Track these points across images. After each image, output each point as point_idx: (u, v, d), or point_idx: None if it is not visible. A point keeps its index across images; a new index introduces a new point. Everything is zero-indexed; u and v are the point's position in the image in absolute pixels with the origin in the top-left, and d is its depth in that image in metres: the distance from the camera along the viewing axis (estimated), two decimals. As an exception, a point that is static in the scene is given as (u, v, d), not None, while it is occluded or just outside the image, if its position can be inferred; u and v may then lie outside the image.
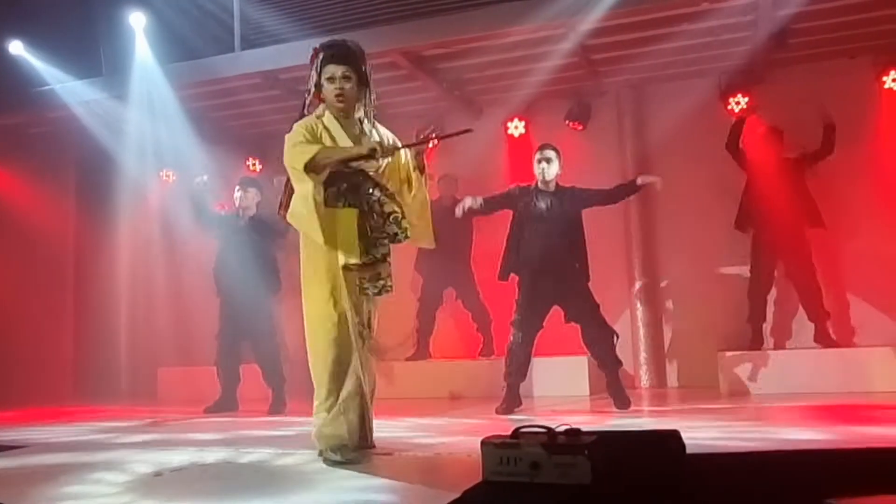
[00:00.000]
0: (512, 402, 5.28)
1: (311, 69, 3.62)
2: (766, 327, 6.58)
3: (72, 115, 7.30)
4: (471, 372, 6.77)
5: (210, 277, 6.28)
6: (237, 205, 6.22)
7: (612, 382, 5.22)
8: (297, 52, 6.06)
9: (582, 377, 6.42)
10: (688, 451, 2.74)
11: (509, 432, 2.70)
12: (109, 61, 7.34)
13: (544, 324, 5.34)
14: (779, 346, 6.66)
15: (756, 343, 6.37)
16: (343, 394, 3.42)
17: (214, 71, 6.96)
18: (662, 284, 7.26)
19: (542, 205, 5.31)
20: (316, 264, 3.49)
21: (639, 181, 5.46)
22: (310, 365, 3.50)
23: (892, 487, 2.50)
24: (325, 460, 3.36)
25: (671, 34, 6.12)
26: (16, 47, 7.13)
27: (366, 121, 3.68)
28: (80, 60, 7.25)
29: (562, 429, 2.64)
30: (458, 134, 3.70)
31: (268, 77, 6.89)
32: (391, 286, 3.58)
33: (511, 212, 5.48)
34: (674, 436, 2.76)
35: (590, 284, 5.31)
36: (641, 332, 7.15)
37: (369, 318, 3.59)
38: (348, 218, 3.49)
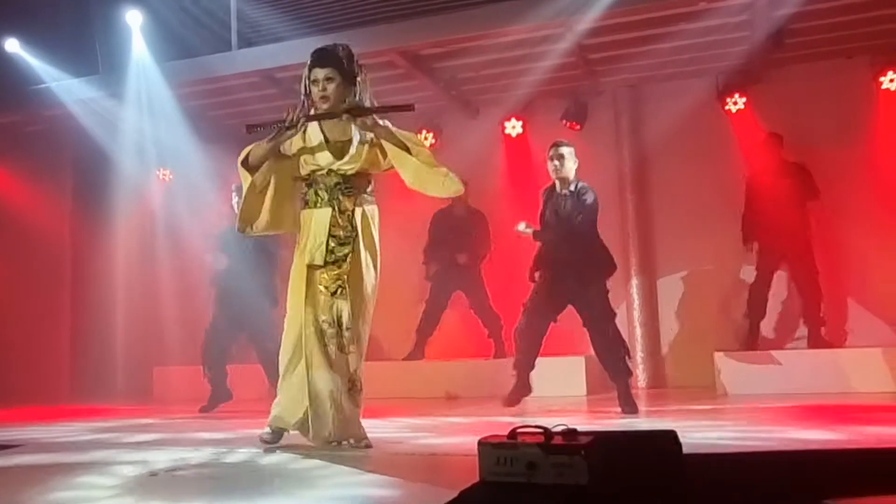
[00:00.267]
0: (518, 391, 5.19)
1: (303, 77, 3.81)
2: (765, 326, 6.57)
3: (68, 113, 7.28)
4: (467, 372, 6.76)
5: (208, 275, 6.24)
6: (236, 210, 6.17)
7: (621, 391, 5.05)
8: (294, 50, 6.05)
9: (579, 377, 6.42)
10: (685, 451, 2.73)
11: (506, 432, 2.68)
12: (106, 59, 7.32)
13: (558, 318, 5.20)
14: (776, 346, 6.65)
15: (752, 340, 6.35)
16: (285, 384, 3.75)
17: (211, 69, 6.95)
18: (659, 284, 7.25)
19: (560, 204, 5.10)
20: (295, 264, 3.75)
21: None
22: None
23: (891, 488, 2.49)
24: None
25: (668, 34, 6.12)
26: (11, 45, 7.12)
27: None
28: (77, 58, 7.24)
29: (559, 429, 2.62)
30: (397, 109, 3.72)
31: (266, 76, 6.88)
32: (347, 287, 3.66)
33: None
34: (671, 436, 2.74)
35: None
36: (638, 331, 7.15)
37: (339, 317, 3.67)
38: (321, 218, 3.69)
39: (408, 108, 3.72)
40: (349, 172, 3.70)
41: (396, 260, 6.83)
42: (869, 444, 3.46)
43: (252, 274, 5.88)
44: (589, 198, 5.03)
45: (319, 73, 3.68)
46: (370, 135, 3.72)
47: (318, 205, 3.71)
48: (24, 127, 7.97)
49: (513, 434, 2.65)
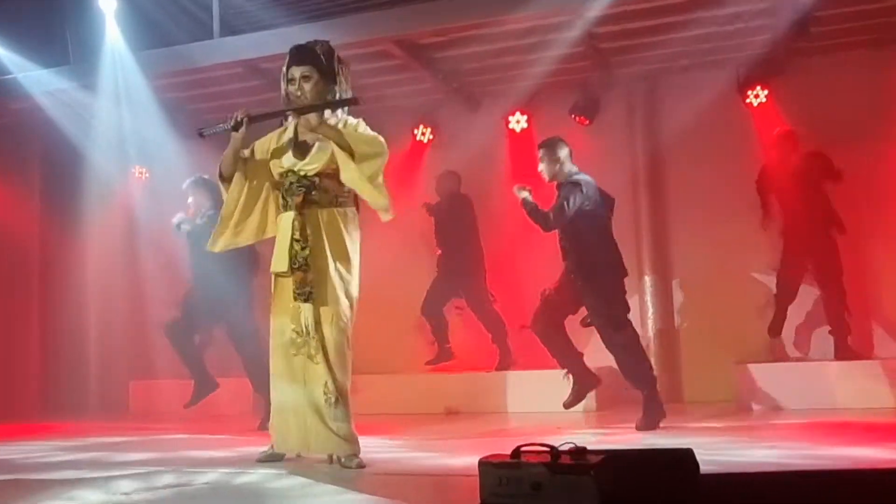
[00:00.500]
0: (582, 387, 5.35)
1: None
2: (788, 338, 6.59)
3: (36, 105, 7.27)
4: (468, 385, 6.77)
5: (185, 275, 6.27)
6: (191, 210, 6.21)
7: (643, 401, 5.15)
8: (281, 39, 6.05)
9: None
10: (702, 470, 2.74)
11: (509, 451, 2.70)
12: (77, 48, 7.33)
13: (574, 311, 5.29)
14: (800, 358, 6.67)
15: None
16: (273, 400, 3.90)
17: (192, 59, 6.94)
18: (675, 289, 7.26)
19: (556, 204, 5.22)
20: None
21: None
22: None
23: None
24: None
25: (685, 22, 6.12)
26: (-24, 34, 7.12)
27: (336, 115, 3.87)
28: (46, 47, 7.24)
29: (566, 447, 2.64)
30: (343, 103, 3.86)
31: (250, 66, 6.89)
32: (313, 293, 3.73)
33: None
34: (687, 454, 2.76)
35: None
36: (653, 341, 7.14)
37: (308, 325, 3.75)
38: (284, 223, 3.81)
39: (353, 101, 3.88)
40: (310, 173, 3.79)
41: (393, 266, 6.91)
42: (900, 464, 3.47)
43: (228, 273, 5.91)
44: (562, 194, 5.15)
45: (296, 71, 3.81)
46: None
47: (286, 208, 3.84)
48: (-12, 120, 7.98)
49: (516, 453, 2.66)
